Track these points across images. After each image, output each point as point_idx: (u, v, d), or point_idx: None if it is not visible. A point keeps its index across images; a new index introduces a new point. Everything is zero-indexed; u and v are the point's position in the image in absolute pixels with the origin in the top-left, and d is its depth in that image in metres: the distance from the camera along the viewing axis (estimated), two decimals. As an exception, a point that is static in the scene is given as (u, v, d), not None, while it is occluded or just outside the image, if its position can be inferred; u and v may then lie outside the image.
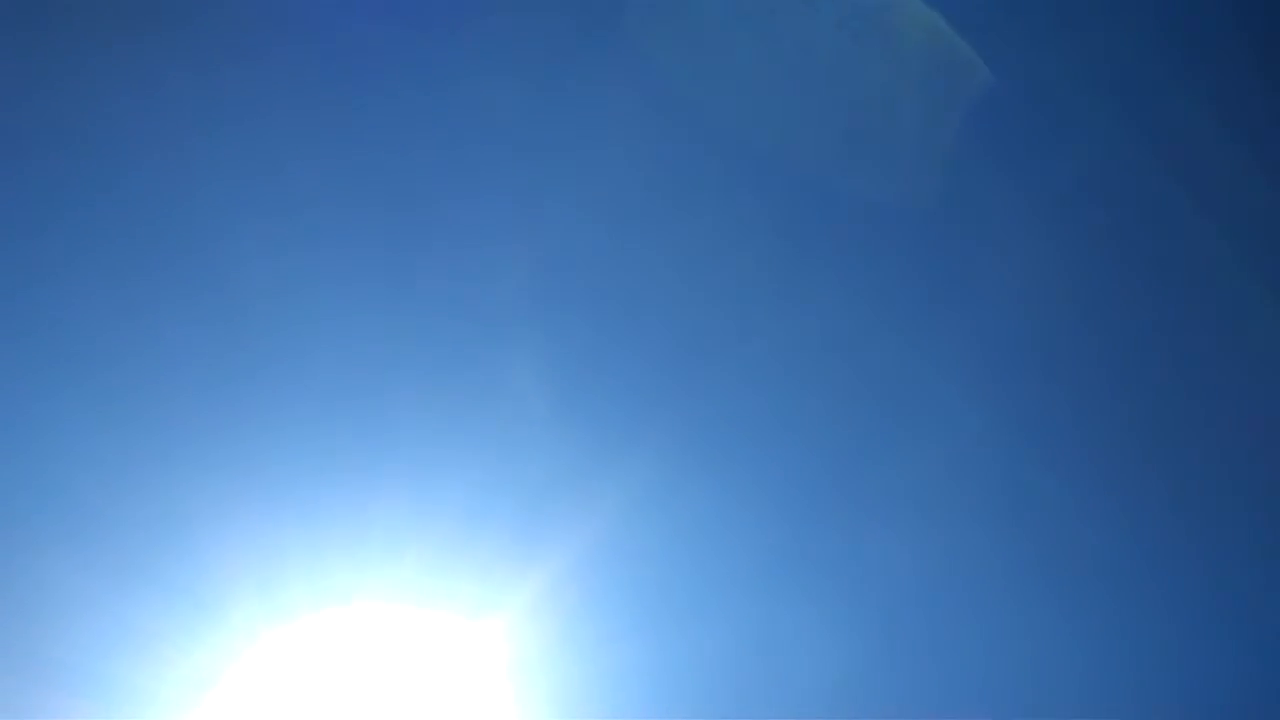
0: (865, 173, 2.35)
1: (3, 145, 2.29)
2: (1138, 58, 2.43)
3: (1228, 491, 2.23)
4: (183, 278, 2.24)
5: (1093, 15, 2.45)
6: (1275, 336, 2.32)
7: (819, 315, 2.26)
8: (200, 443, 2.19)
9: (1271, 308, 2.34)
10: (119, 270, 2.26)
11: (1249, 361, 2.32)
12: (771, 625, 2.12)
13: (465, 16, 2.36)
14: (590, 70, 2.35)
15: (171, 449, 2.19)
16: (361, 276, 2.23)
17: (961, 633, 2.11)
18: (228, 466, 2.18)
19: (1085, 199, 2.39)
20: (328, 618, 2.14)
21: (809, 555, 2.15)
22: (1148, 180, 2.39)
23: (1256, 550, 2.20)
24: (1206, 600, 2.15)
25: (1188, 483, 2.23)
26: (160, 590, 2.17)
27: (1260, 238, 2.38)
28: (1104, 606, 2.12)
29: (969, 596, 2.12)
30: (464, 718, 2.10)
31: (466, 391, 2.21)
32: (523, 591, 2.13)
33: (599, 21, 2.38)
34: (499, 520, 2.16)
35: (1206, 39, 2.44)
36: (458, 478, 2.17)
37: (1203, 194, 2.38)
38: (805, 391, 2.24)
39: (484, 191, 2.28)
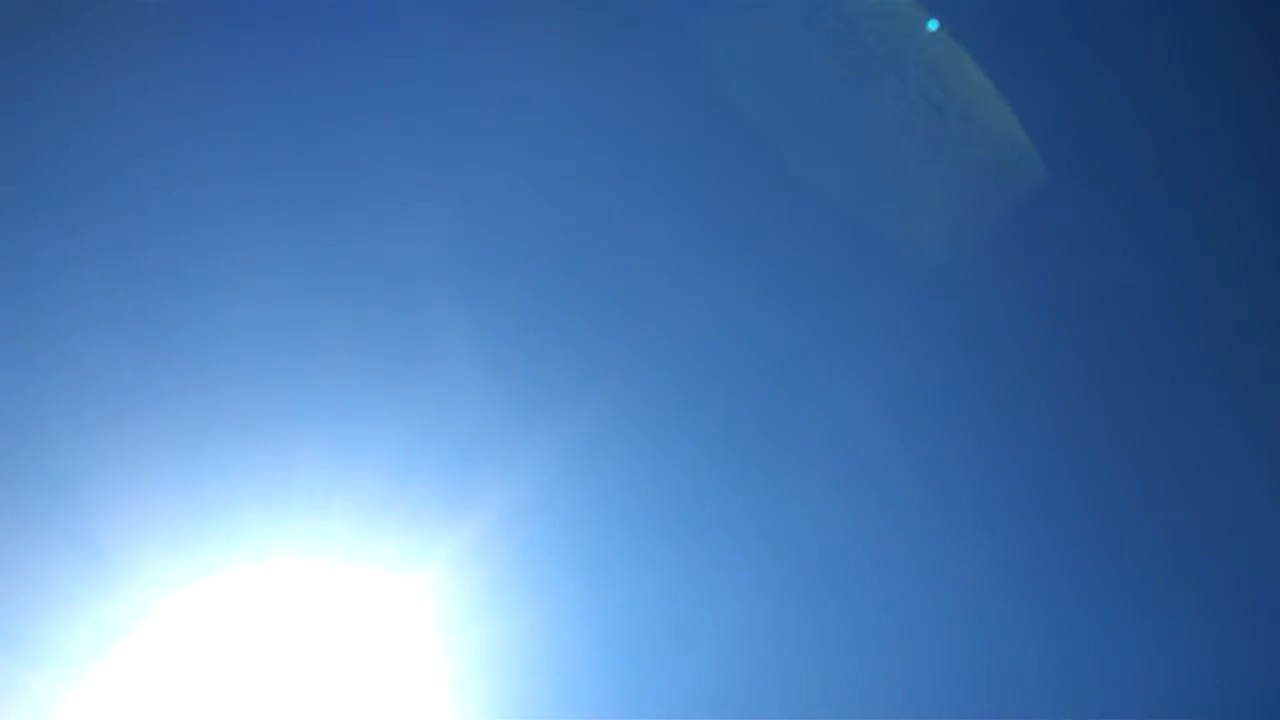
0: (806, 140, 2.38)
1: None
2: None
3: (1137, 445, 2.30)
4: (96, 231, 2.17)
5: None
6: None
7: (746, 269, 2.29)
8: (115, 396, 2.13)
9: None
10: (25, 219, 2.18)
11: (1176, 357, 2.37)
12: (696, 577, 2.16)
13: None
14: (520, 13, 2.33)
15: (83, 401, 2.13)
16: (285, 230, 2.19)
17: (886, 583, 2.18)
18: (145, 420, 2.12)
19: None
20: (249, 574, 2.11)
21: (733, 509, 2.19)
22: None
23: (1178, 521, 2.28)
24: (1119, 550, 2.24)
25: (1077, 428, 2.30)
26: (67, 545, 2.12)
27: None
28: (1019, 565, 2.20)
29: (895, 549, 2.19)
30: (389, 673, 2.10)
31: (391, 346, 2.19)
32: (448, 547, 2.12)
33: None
34: (424, 476, 2.15)
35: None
36: (383, 434, 2.15)
37: (1197, 192, 2.41)
38: (731, 347, 2.27)
39: (407, 145, 2.26)
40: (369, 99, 2.26)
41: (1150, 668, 2.15)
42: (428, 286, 2.21)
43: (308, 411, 2.15)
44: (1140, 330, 2.30)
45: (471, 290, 2.22)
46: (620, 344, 2.23)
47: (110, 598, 2.11)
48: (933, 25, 2.31)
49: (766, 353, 2.26)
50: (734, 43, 2.40)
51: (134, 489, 2.10)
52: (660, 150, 2.32)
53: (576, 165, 2.28)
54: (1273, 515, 2.26)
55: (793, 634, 2.15)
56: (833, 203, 2.33)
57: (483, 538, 2.13)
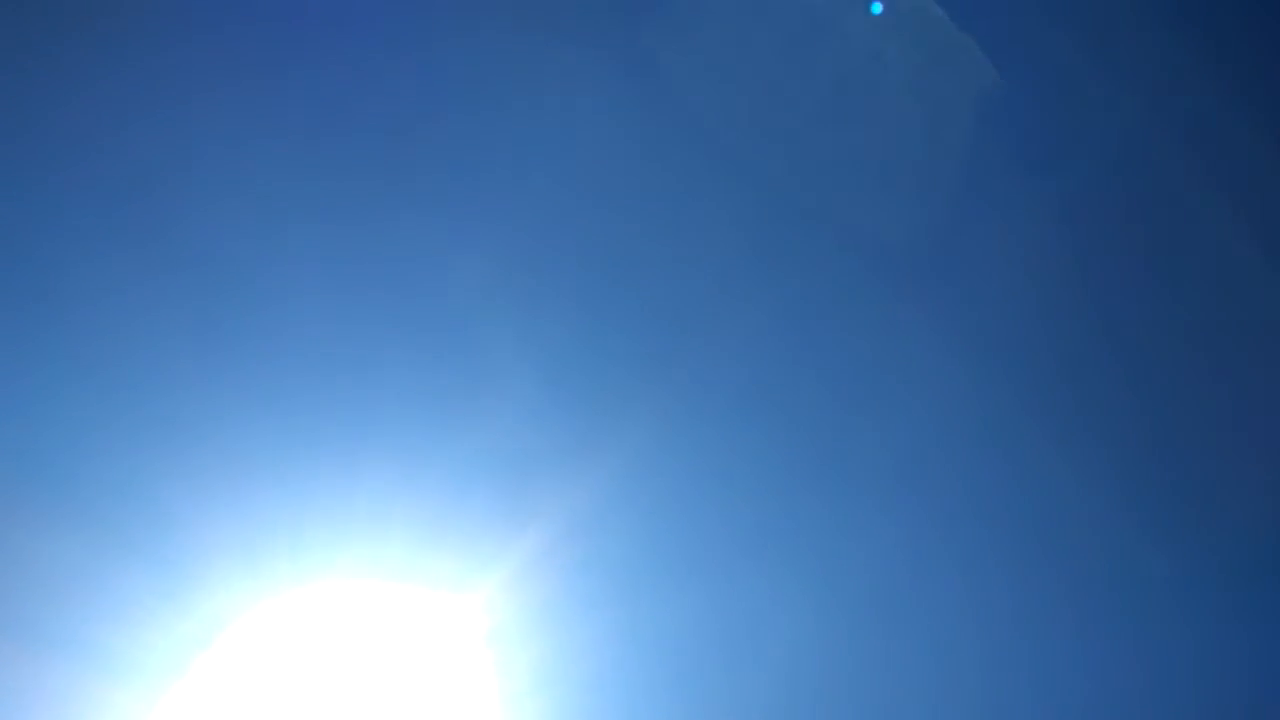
0: (852, 149, 2.35)
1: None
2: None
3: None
4: (164, 259, 2.26)
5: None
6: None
7: (804, 292, 2.27)
8: (188, 420, 2.21)
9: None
10: (100, 254, 2.27)
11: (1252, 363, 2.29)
12: (749, 599, 2.14)
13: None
14: (577, 38, 2.35)
15: (160, 426, 2.21)
16: (345, 252, 2.25)
17: (936, 607, 2.13)
18: (216, 443, 2.19)
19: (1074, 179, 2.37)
20: (313, 591, 2.16)
21: (787, 530, 2.16)
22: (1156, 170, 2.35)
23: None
24: (1195, 588, 2.15)
25: (1170, 463, 2.23)
26: (149, 563, 2.20)
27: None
28: (1086, 591, 2.13)
29: (945, 573, 2.14)
30: (446, 689, 2.12)
31: (451, 368, 2.23)
32: (505, 565, 2.14)
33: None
34: (482, 495, 2.17)
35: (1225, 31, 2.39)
36: (438, 454, 2.19)
37: (1215, 190, 2.34)
38: (790, 370, 2.25)
39: (468, 166, 2.29)
40: (425, 120, 2.29)
41: (1205, 701, 2.04)
42: (485, 307, 2.23)
43: (369, 434, 2.20)
44: (1209, 356, 2.21)
45: (529, 311, 2.24)
46: (675, 363, 2.22)
47: (187, 614, 2.18)
48: (875, 9, 2.24)
49: (823, 371, 2.23)
50: (793, 52, 2.38)
51: (204, 508, 2.17)
52: (716, 165, 2.31)
53: (630, 182, 2.29)
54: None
55: (848, 651, 2.11)
56: (895, 220, 2.28)
57: (537, 555, 2.14)
